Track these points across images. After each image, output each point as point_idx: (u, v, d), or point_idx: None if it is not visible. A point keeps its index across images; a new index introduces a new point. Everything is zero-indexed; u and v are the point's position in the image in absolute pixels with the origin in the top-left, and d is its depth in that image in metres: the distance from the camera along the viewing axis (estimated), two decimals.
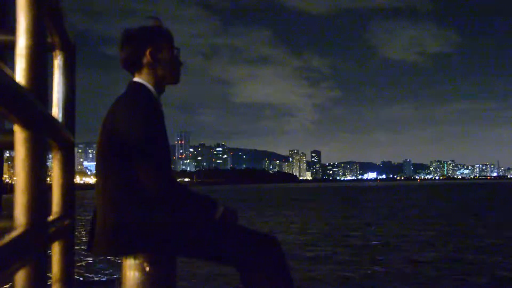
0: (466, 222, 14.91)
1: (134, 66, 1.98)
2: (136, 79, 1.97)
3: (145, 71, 1.97)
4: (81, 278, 6.94)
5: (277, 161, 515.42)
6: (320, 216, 18.39)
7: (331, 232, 12.71)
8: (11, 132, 0.79)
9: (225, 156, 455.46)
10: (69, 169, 1.34)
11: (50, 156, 1.35)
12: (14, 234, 0.73)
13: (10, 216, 0.82)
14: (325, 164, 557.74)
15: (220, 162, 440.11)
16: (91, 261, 8.30)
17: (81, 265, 7.99)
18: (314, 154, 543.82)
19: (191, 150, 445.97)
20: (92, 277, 7.12)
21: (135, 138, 1.81)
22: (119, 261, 1.89)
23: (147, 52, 1.95)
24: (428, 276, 6.87)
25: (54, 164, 1.32)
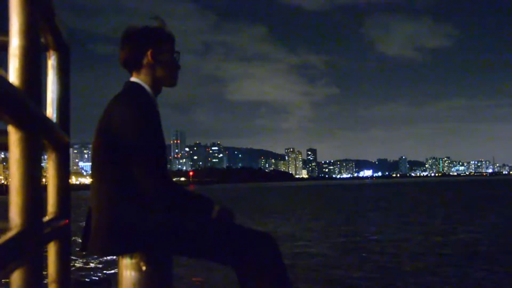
0: None
1: (133, 65, 1.97)
2: (133, 78, 1.97)
3: (144, 71, 1.96)
4: (77, 278, 6.92)
5: (273, 160, 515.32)
6: None
7: None
8: (5, 133, 0.79)
9: (221, 155, 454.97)
10: (64, 170, 1.33)
11: (45, 156, 1.35)
12: (9, 234, 0.73)
13: (6, 217, 0.82)
14: (321, 162, 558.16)
15: (216, 161, 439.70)
16: (87, 261, 8.29)
17: (77, 265, 7.98)
18: (310, 152, 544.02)
19: (187, 149, 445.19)
20: (88, 277, 7.11)
21: (131, 138, 1.81)
22: (115, 260, 1.89)
23: (149, 53, 1.95)
24: None
25: (49, 165, 1.32)
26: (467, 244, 9.66)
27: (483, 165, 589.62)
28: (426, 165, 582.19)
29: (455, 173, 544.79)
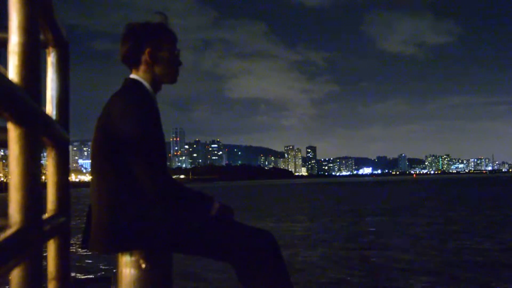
0: None
1: (132, 62, 1.96)
2: (133, 75, 1.96)
3: (143, 68, 1.96)
4: (77, 276, 6.93)
5: (273, 157, 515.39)
6: None
7: None
8: (5, 130, 0.79)
9: (220, 152, 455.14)
10: (63, 167, 1.33)
11: (45, 154, 1.35)
12: (9, 232, 0.73)
13: (5, 214, 0.82)
14: (320, 160, 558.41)
15: (215, 159, 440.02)
16: (87, 258, 8.29)
17: (77, 263, 7.98)
18: (309, 150, 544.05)
19: (186, 147, 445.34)
20: (88, 274, 7.11)
21: (130, 136, 1.80)
22: (115, 258, 1.89)
23: (147, 50, 1.94)
24: None
25: (49, 162, 1.31)
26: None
27: (483, 163, 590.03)
28: (426, 163, 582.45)
29: (455, 171, 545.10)
